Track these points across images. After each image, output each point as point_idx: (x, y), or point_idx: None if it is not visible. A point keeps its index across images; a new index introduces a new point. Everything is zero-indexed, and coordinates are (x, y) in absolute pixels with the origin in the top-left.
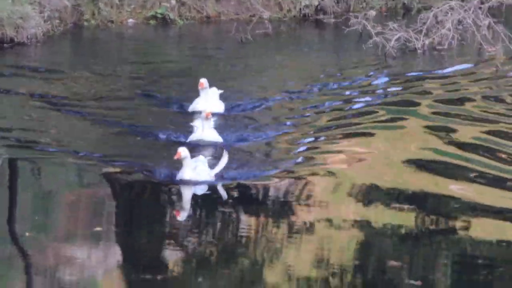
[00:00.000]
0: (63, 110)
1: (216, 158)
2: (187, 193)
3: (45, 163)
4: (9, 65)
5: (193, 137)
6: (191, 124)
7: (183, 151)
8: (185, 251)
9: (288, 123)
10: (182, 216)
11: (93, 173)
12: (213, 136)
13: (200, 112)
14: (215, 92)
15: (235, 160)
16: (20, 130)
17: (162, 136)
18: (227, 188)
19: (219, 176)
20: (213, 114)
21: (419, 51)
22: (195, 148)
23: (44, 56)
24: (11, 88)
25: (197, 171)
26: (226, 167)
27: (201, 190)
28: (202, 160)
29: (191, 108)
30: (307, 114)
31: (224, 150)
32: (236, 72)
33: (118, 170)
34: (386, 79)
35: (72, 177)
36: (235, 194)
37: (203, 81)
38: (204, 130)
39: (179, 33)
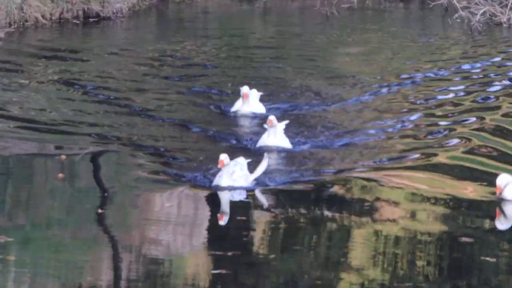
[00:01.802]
0: (132, 102)
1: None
2: (225, 199)
3: (104, 155)
4: (92, 39)
5: (259, 143)
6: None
7: (225, 159)
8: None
9: (379, 123)
10: (224, 221)
11: (138, 168)
12: (279, 142)
13: (240, 115)
14: (255, 94)
15: (289, 165)
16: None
17: (211, 137)
18: (264, 193)
19: (263, 181)
20: (256, 116)
21: (504, 25)
22: (260, 154)
23: (127, 32)
24: (90, 65)
25: (233, 177)
26: (273, 172)
27: (239, 196)
28: (241, 163)
29: (232, 109)
30: (395, 109)
31: (265, 154)
32: (319, 49)
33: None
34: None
35: (130, 173)
36: (276, 199)
37: (246, 90)
38: (270, 137)
39: (264, 8)
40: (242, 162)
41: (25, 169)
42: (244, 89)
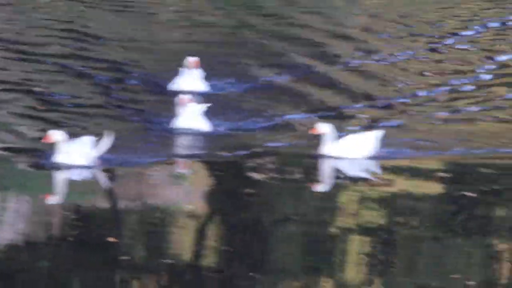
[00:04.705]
0: None
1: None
2: (62, 177)
3: None
4: None
5: (172, 124)
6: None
7: (53, 135)
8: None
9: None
10: (52, 200)
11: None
12: (192, 123)
13: (179, 92)
14: (199, 72)
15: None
16: None
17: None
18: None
19: (106, 160)
20: (197, 94)
21: None
22: (175, 135)
23: None
24: None
25: (71, 156)
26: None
27: (77, 174)
28: (86, 143)
29: (169, 86)
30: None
31: (108, 133)
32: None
33: None
34: None
35: None
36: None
37: (194, 59)
38: (182, 117)
39: None
40: (86, 141)
41: None
42: (190, 58)
